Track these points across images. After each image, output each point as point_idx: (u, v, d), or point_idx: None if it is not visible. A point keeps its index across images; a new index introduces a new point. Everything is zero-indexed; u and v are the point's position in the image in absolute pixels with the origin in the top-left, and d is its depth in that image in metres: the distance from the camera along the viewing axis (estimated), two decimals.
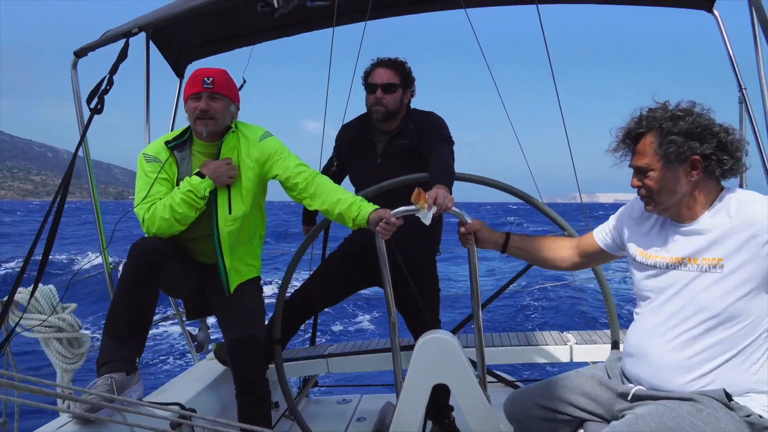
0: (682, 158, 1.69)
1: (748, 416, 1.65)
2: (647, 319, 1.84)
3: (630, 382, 1.89)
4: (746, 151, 1.73)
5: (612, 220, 2.07)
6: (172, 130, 3.22)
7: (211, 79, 2.42)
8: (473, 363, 2.46)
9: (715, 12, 2.87)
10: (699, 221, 1.74)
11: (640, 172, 1.79)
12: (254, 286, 2.66)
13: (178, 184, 2.44)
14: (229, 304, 2.58)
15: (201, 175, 2.40)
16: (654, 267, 1.82)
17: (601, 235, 2.10)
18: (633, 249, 1.93)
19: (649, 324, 1.82)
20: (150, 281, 2.32)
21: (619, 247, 2.05)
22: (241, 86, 2.88)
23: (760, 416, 1.66)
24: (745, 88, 2.74)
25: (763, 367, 1.69)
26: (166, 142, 2.50)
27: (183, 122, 2.61)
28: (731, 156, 1.68)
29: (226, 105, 2.47)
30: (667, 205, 1.78)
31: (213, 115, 2.42)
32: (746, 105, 2.71)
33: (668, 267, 1.79)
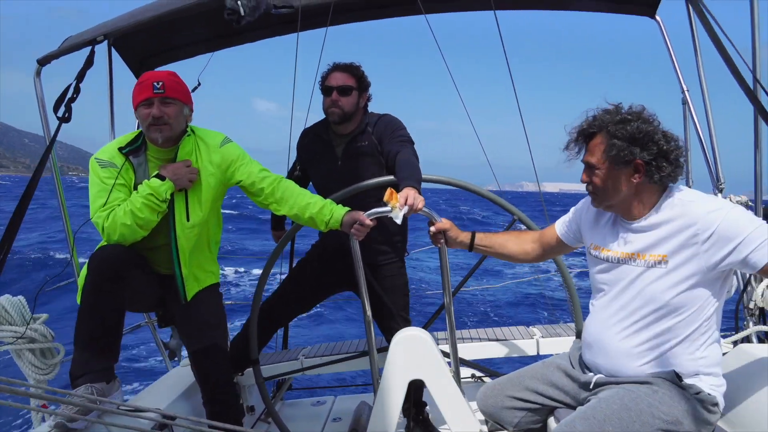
0: (625, 161, 1.81)
1: (698, 393, 1.80)
2: (601, 311, 1.97)
3: (590, 370, 2.02)
4: (685, 158, 1.89)
5: (571, 213, 2.20)
6: (112, 130, 3.20)
7: (161, 83, 2.32)
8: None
9: (657, 18, 3.03)
10: (645, 219, 1.86)
11: (589, 168, 1.91)
12: (213, 292, 2.61)
13: (133, 190, 2.34)
14: (187, 313, 2.52)
15: (161, 177, 2.31)
16: (606, 261, 1.95)
17: (562, 227, 2.22)
18: (588, 243, 2.06)
19: (602, 316, 1.96)
20: (115, 290, 2.24)
21: (577, 239, 2.19)
22: (195, 88, 2.84)
23: (709, 393, 1.81)
24: (688, 90, 2.91)
25: (708, 351, 1.83)
26: (120, 148, 2.38)
27: (121, 120, 2.51)
28: (670, 163, 1.80)
29: (180, 109, 2.38)
30: (611, 203, 1.91)
31: (167, 120, 2.32)
32: (689, 106, 2.88)
33: (619, 261, 1.91)
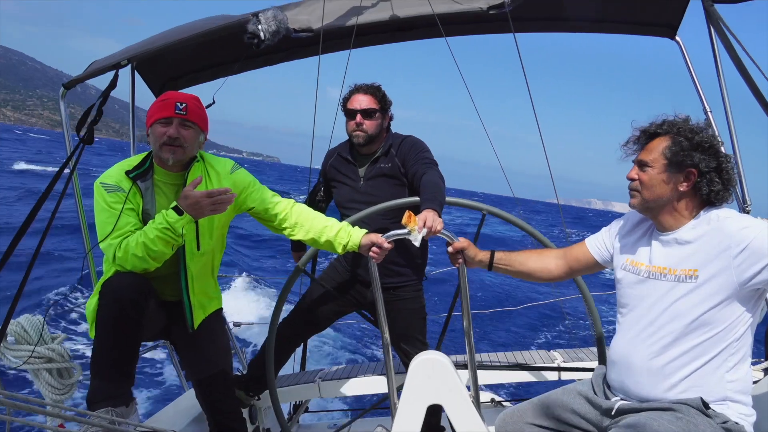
0: (682, 165, 1.81)
1: (725, 423, 1.72)
2: (628, 328, 1.92)
3: (614, 391, 1.96)
4: (734, 186, 1.86)
5: (605, 231, 2.16)
6: (134, 152, 3.15)
7: (184, 105, 2.27)
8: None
9: (678, 39, 3.00)
10: (679, 231, 1.84)
11: (640, 166, 1.89)
12: (216, 318, 2.57)
13: (143, 215, 2.28)
14: (192, 342, 2.47)
15: (179, 210, 2.19)
16: (637, 275, 1.92)
17: (595, 244, 2.17)
18: (622, 258, 2.02)
19: (630, 333, 1.91)
20: (132, 318, 2.18)
21: (611, 257, 2.13)
22: (209, 105, 2.86)
23: (737, 423, 1.73)
24: (711, 111, 2.87)
25: (738, 374, 1.77)
26: (127, 172, 2.30)
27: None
28: (722, 181, 1.80)
29: (196, 134, 2.32)
30: (650, 205, 1.88)
31: (182, 143, 2.26)
32: (712, 127, 2.83)
33: (650, 276, 1.88)
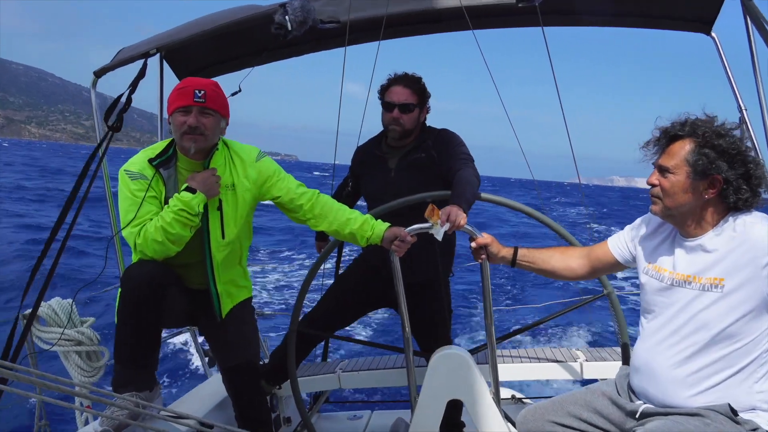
0: (706, 173, 1.72)
1: (755, 430, 1.68)
2: (652, 335, 1.88)
3: (637, 396, 1.93)
4: (765, 189, 1.76)
5: (627, 231, 2.11)
6: (160, 138, 3.18)
7: (202, 92, 2.22)
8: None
9: (713, 34, 2.91)
10: (703, 238, 1.78)
11: (661, 171, 1.82)
12: (246, 307, 2.57)
13: (166, 203, 2.26)
14: (222, 330, 2.48)
15: (191, 190, 2.20)
16: (660, 281, 1.87)
17: (616, 244, 2.13)
18: (644, 262, 1.97)
19: (653, 340, 1.86)
20: (153, 305, 2.20)
21: (633, 258, 2.08)
22: (234, 93, 2.81)
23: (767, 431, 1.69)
24: (746, 109, 2.78)
25: (767, 385, 1.72)
26: (150, 160, 2.29)
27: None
28: (751, 189, 1.72)
29: (217, 121, 2.29)
30: (671, 212, 1.82)
31: (202, 131, 2.23)
32: (747, 126, 2.75)
33: (673, 284, 1.83)
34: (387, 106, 2.80)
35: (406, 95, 2.77)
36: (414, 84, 2.81)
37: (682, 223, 1.83)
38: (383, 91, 2.84)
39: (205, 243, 2.33)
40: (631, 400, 1.94)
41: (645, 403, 1.88)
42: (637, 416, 1.87)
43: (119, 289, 2.28)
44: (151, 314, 2.21)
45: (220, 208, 2.32)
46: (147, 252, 2.22)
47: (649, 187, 1.86)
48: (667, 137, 1.82)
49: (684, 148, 1.77)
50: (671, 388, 1.79)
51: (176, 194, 2.21)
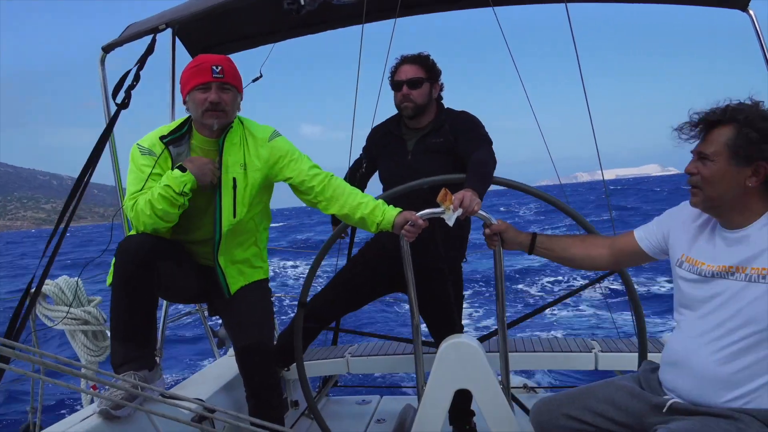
0: (750, 159, 1.62)
1: None
2: (692, 327, 1.76)
3: (667, 393, 1.82)
4: None
5: (656, 222, 2.00)
6: (173, 119, 3.14)
7: (220, 67, 2.21)
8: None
9: (750, 11, 2.78)
10: (749, 228, 1.67)
11: (700, 159, 1.71)
12: (260, 287, 2.55)
13: None
14: (232, 308, 2.46)
15: (183, 169, 2.19)
16: (700, 274, 1.75)
17: (644, 236, 2.02)
18: (678, 254, 1.86)
19: (693, 333, 1.74)
20: (143, 278, 2.17)
21: (662, 250, 1.98)
22: (256, 79, 2.79)
23: None
24: None
25: None
26: (161, 137, 2.29)
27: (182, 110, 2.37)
28: None
29: (235, 97, 2.29)
30: (713, 203, 1.71)
31: (224, 107, 2.23)
32: None
33: (715, 275, 1.71)
34: (396, 86, 2.74)
35: (413, 71, 2.71)
36: (422, 60, 2.74)
37: (725, 213, 1.72)
38: (392, 74, 2.78)
39: (216, 221, 2.31)
40: (659, 395, 1.83)
41: (674, 398, 1.76)
42: (664, 410, 1.75)
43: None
44: (145, 287, 2.19)
45: (234, 187, 2.30)
46: (138, 225, 2.22)
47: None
48: (707, 123, 1.71)
49: (725, 133, 1.66)
50: (712, 387, 1.67)
51: (168, 171, 2.22)
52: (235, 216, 2.32)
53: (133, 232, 2.31)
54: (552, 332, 9.56)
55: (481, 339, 2.94)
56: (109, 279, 2.28)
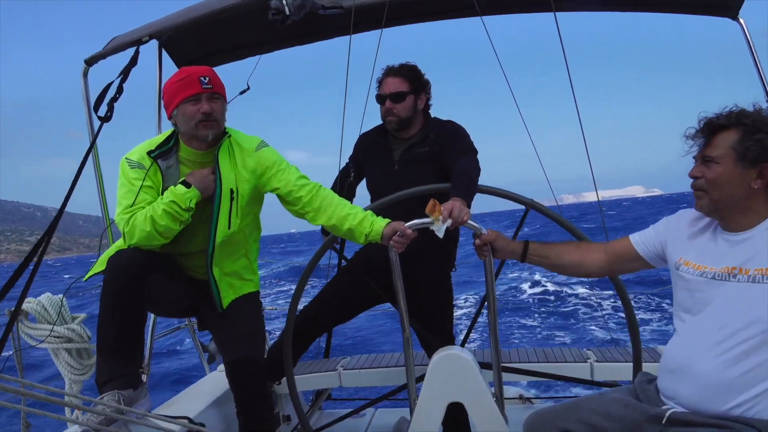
0: (756, 161, 1.63)
1: None
2: (693, 332, 1.73)
3: (665, 401, 1.78)
4: None
5: (653, 228, 1.98)
6: (159, 131, 3.13)
7: (207, 78, 2.22)
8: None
9: (741, 19, 2.79)
10: (753, 231, 1.66)
11: (704, 162, 1.71)
12: (251, 301, 2.53)
13: (161, 193, 2.26)
14: (223, 322, 2.43)
15: (186, 184, 2.20)
16: (702, 276, 1.73)
17: (640, 240, 2.00)
18: (678, 258, 1.84)
19: (694, 337, 1.71)
20: (133, 294, 2.16)
21: (658, 256, 1.95)
22: (244, 91, 2.78)
23: None
24: None
25: None
26: (149, 152, 2.29)
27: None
28: None
29: (224, 106, 2.30)
30: (718, 205, 1.70)
31: (216, 117, 2.23)
32: None
33: (716, 277, 1.69)
34: (379, 99, 2.73)
35: (396, 84, 2.69)
36: (407, 72, 2.72)
37: (729, 216, 1.71)
38: (378, 85, 2.76)
39: (212, 232, 2.29)
40: (658, 405, 1.79)
41: (673, 408, 1.72)
42: (663, 421, 1.70)
43: (94, 271, 2.25)
44: (133, 302, 2.17)
45: (231, 198, 2.29)
46: (133, 240, 2.19)
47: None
48: (711, 128, 1.71)
49: (730, 136, 1.67)
50: (714, 391, 1.62)
51: (171, 187, 2.20)
52: (230, 227, 2.31)
53: (118, 245, 2.28)
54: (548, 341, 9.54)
55: (474, 352, 2.91)
56: (87, 275, 2.27)
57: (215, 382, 3.03)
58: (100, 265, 2.26)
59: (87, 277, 2.27)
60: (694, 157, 1.75)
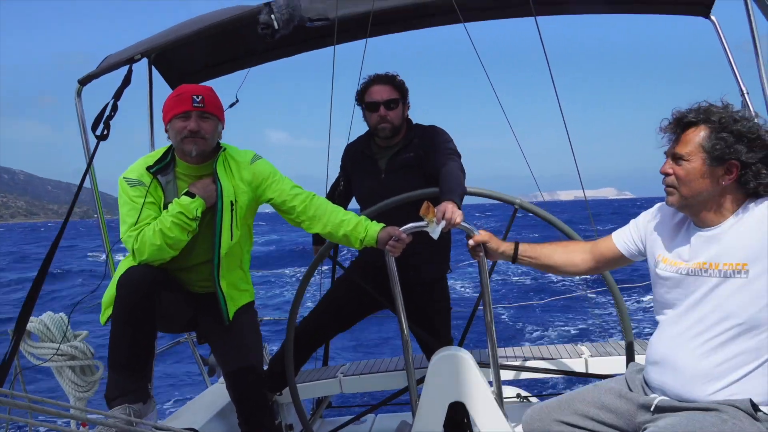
0: (723, 159, 1.67)
1: None
2: (672, 326, 1.80)
3: (653, 391, 1.85)
4: None
5: (633, 224, 2.04)
6: (152, 147, 3.17)
7: (200, 97, 2.28)
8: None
9: (713, 18, 2.86)
10: (722, 226, 1.72)
11: (675, 159, 1.76)
12: (249, 311, 2.56)
13: (165, 208, 2.29)
14: (227, 334, 2.46)
15: (190, 195, 2.25)
16: (677, 273, 1.80)
17: (622, 239, 2.06)
18: (655, 255, 1.90)
19: (674, 331, 1.79)
20: (146, 311, 2.20)
21: (639, 252, 2.02)
22: (232, 105, 2.83)
23: None
24: (748, 93, 2.72)
25: None
26: (148, 168, 2.33)
27: (161, 139, 2.39)
28: None
29: (215, 125, 2.35)
30: (688, 201, 1.76)
31: (203, 135, 2.28)
32: (749, 110, 2.70)
33: (690, 273, 1.76)
34: (371, 106, 2.76)
35: (388, 92, 2.74)
36: (392, 81, 2.78)
37: (699, 212, 1.76)
38: (362, 93, 2.80)
39: (216, 244, 2.33)
40: (646, 394, 1.86)
41: (660, 396, 1.80)
42: (651, 409, 1.79)
43: (112, 291, 2.27)
44: (144, 319, 2.20)
45: (232, 209, 2.34)
46: (143, 256, 2.22)
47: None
48: (681, 125, 1.76)
49: (698, 134, 1.71)
50: (694, 382, 1.71)
51: (176, 199, 2.25)
52: (232, 238, 2.36)
53: (127, 263, 2.31)
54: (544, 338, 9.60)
55: (460, 341, 2.96)
56: (103, 318, 2.29)
57: (217, 394, 3.06)
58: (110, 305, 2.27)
59: (104, 321, 2.28)
60: (665, 153, 1.80)
